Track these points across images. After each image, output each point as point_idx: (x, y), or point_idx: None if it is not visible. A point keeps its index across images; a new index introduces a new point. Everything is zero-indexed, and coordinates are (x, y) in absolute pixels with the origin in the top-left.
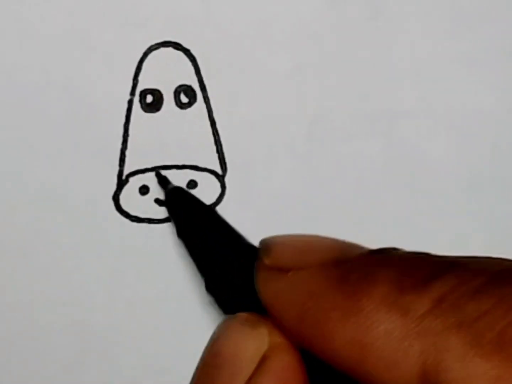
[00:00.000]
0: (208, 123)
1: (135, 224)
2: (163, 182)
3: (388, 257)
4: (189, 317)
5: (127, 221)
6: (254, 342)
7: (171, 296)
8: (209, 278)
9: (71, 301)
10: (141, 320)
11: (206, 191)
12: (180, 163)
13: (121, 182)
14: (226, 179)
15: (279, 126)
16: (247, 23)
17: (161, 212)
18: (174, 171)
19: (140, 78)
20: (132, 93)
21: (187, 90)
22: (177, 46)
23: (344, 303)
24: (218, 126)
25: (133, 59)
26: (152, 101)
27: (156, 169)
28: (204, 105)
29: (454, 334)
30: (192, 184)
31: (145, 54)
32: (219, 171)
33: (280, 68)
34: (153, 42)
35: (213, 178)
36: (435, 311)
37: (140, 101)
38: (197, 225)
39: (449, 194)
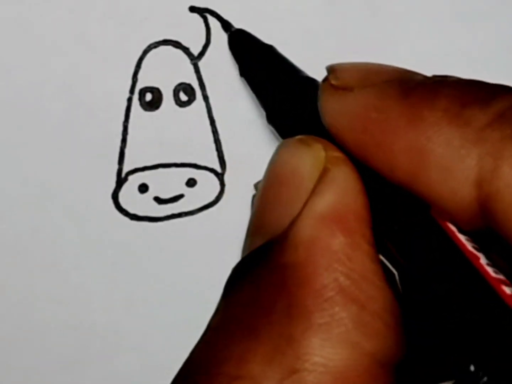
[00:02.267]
0: (207, 121)
1: (134, 222)
2: (226, 25)
3: (450, 79)
4: (188, 316)
5: (126, 219)
6: (312, 156)
7: (171, 294)
8: (270, 110)
9: (70, 299)
10: (140, 318)
11: (205, 189)
12: (179, 161)
13: (120, 180)
14: (225, 177)
15: None
16: (247, 22)
17: (161, 210)
18: (173, 169)
19: (139, 76)
20: (132, 91)
21: (186, 88)
22: (176, 44)
23: (408, 113)
24: (217, 124)
25: (133, 58)
26: (152, 99)
27: (156, 167)
28: (203, 104)
29: (511, 143)
30: (191, 182)
31: (145, 52)
32: (218, 169)
33: None
34: (152, 41)
35: (212, 176)
36: (495, 124)
37: (140, 99)
38: (259, 62)
39: None
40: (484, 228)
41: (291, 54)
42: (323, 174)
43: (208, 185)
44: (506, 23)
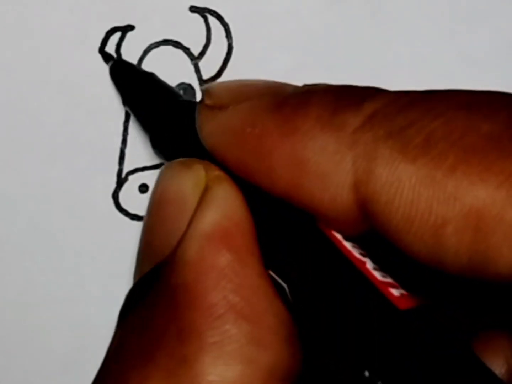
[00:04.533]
0: None
1: (134, 222)
2: (106, 57)
3: (322, 87)
4: None
5: (126, 219)
6: (193, 177)
7: None
8: (153, 136)
9: (70, 299)
10: None
11: None
12: None
13: (121, 180)
14: None
15: None
16: (247, 22)
17: None
18: None
19: None
20: None
21: (186, 88)
22: (176, 44)
23: (281, 124)
24: None
25: (133, 58)
26: None
27: (156, 167)
28: None
29: (383, 143)
30: None
31: (145, 53)
32: None
33: (279, 67)
34: (152, 41)
35: None
36: (366, 125)
37: None
38: (139, 91)
39: None
40: (369, 231)
41: (291, 54)
42: (205, 193)
43: None
44: (506, 23)
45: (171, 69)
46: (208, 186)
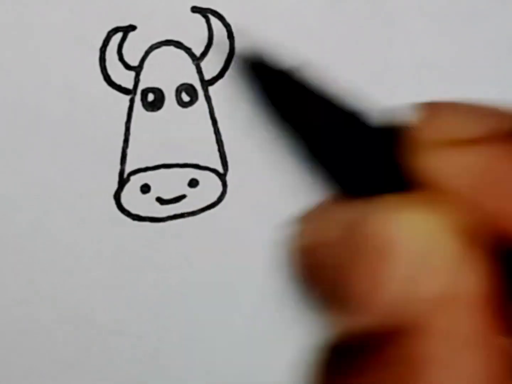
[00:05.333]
0: (209, 121)
1: (136, 222)
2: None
3: None
4: (189, 316)
5: (128, 219)
6: (426, 223)
7: (172, 294)
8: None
9: (72, 299)
10: (141, 318)
11: (207, 190)
12: (181, 161)
13: (123, 181)
14: (227, 178)
15: None
16: (247, 22)
17: (163, 210)
18: (175, 169)
19: (141, 77)
20: (134, 91)
21: (188, 88)
22: (178, 44)
23: None
24: (219, 124)
25: (135, 58)
26: (154, 100)
27: (158, 167)
28: (205, 104)
29: None
30: (194, 182)
31: (147, 53)
32: (221, 170)
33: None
34: (154, 41)
35: (214, 176)
36: None
37: (142, 99)
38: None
39: None
40: None
41: (291, 53)
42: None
43: (210, 185)
44: (506, 22)
45: (172, 70)
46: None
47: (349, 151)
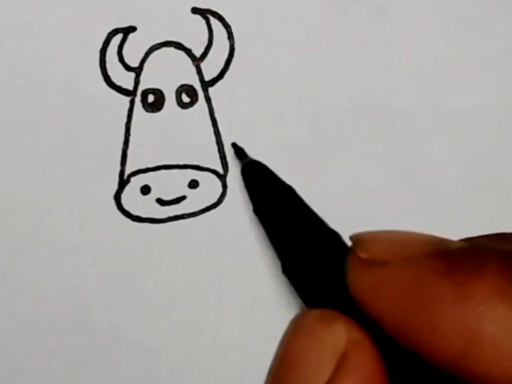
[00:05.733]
0: (209, 122)
1: (136, 223)
2: (240, 154)
3: (491, 250)
4: (189, 317)
5: (128, 220)
6: (331, 338)
7: (172, 296)
8: (287, 261)
9: (72, 300)
10: (141, 319)
11: (208, 191)
12: (181, 162)
13: (123, 182)
14: (228, 179)
15: (279, 125)
16: (248, 23)
17: (163, 212)
18: (175, 170)
19: (141, 78)
20: (134, 93)
21: (188, 89)
22: (178, 45)
23: (454, 290)
24: (219, 125)
25: (135, 59)
26: (154, 101)
27: (158, 168)
28: (205, 105)
29: None
30: (194, 183)
31: (147, 54)
32: (221, 171)
33: (281, 68)
34: (154, 42)
35: (214, 177)
36: None
37: (142, 100)
38: (276, 204)
39: (450, 193)
40: None
41: (292, 54)
42: (343, 359)
43: (210, 186)
44: (506, 23)
45: (172, 71)
46: (347, 352)
47: (305, 251)
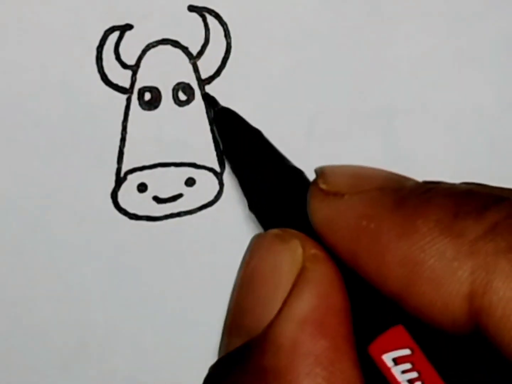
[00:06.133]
0: (206, 120)
1: (133, 221)
2: (212, 102)
3: (443, 186)
4: (187, 315)
5: (125, 218)
6: (289, 254)
7: (169, 294)
8: (252, 198)
9: (70, 298)
10: (139, 317)
11: (204, 189)
12: (178, 160)
13: (119, 180)
14: (224, 177)
15: (277, 124)
16: (244, 21)
17: (160, 209)
18: (172, 168)
19: (138, 75)
20: (131, 90)
21: (185, 87)
22: (175, 43)
23: (400, 223)
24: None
25: (132, 57)
26: (150, 99)
27: (155, 166)
28: (202, 103)
29: (504, 256)
30: (190, 181)
31: (143, 52)
32: (217, 169)
33: (277, 66)
34: (151, 40)
35: (211, 175)
36: (488, 235)
37: (139, 98)
38: (243, 145)
39: None
40: (469, 333)
41: (289, 53)
42: (301, 273)
43: (207, 184)
44: (504, 22)
45: (169, 68)
46: (305, 266)
47: (270, 187)
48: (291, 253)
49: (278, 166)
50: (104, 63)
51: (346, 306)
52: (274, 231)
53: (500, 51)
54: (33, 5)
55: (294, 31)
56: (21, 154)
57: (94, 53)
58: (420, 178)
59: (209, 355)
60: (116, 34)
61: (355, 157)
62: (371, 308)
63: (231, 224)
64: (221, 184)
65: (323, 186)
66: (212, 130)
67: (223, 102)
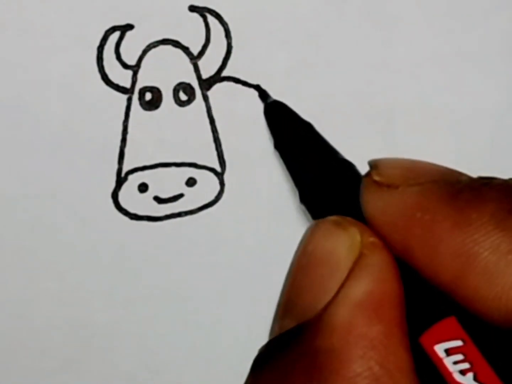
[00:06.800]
0: (207, 120)
1: (134, 221)
2: (263, 95)
3: (497, 181)
4: (188, 315)
5: (126, 218)
6: (347, 240)
7: (170, 294)
8: (304, 190)
9: (70, 298)
10: (139, 317)
11: (205, 189)
12: (179, 160)
13: (120, 180)
14: (225, 177)
15: None
16: (245, 21)
17: (160, 209)
18: (173, 168)
19: (139, 76)
20: (131, 91)
21: (186, 87)
22: (176, 43)
23: (454, 215)
24: (217, 123)
25: (132, 57)
26: (151, 99)
27: (155, 166)
28: (203, 103)
29: None
30: (191, 181)
31: (144, 52)
32: (218, 169)
33: (278, 66)
34: (152, 40)
35: (212, 175)
36: None
37: (139, 98)
38: (295, 138)
39: None
40: None
41: (289, 53)
42: (359, 259)
43: (208, 184)
44: (505, 22)
45: (170, 69)
46: (362, 253)
47: (322, 179)
48: (350, 239)
49: (329, 159)
50: (105, 63)
51: (401, 294)
52: (333, 218)
53: (501, 51)
54: (33, 5)
55: (294, 31)
56: (21, 154)
57: (95, 53)
58: None
59: (210, 355)
60: (117, 34)
61: (355, 157)
62: (423, 299)
63: (232, 224)
64: (222, 184)
65: (377, 178)
66: (212, 130)
67: (224, 102)
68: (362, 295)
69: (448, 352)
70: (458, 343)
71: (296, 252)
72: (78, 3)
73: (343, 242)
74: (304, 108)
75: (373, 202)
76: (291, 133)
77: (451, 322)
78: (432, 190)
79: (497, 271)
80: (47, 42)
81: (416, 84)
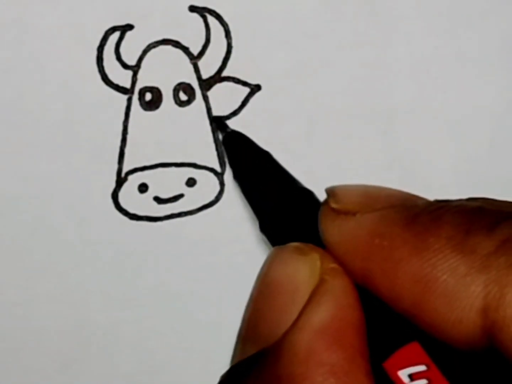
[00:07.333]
0: (207, 121)
1: (134, 221)
2: (221, 126)
3: (454, 204)
4: (187, 315)
5: (126, 218)
6: (308, 266)
7: (170, 294)
8: (264, 219)
9: (70, 298)
10: (139, 317)
11: (205, 189)
12: (179, 160)
13: (120, 180)
14: (225, 177)
15: (277, 124)
16: (245, 21)
17: (160, 210)
18: (173, 168)
19: (139, 76)
20: (131, 91)
21: (186, 88)
22: (176, 44)
23: (412, 241)
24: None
25: (132, 57)
26: (151, 99)
27: (155, 167)
28: (203, 103)
29: None
30: (191, 181)
31: (144, 52)
32: (218, 169)
33: (278, 66)
34: (152, 40)
35: (212, 175)
36: (500, 250)
37: (139, 99)
38: (253, 168)
39: (448, 191)
40: (484, 349)
41: (289, 54)
42: (320, 284)
43: (207, 184)
44: (504, 22)
45: (170, 69)
46: (323, 278)
47: (281, 208)
48: (310, 265)
49: (288, 188)
50: (105, 63)
51: (362, 320)
52: (294, 244)
53: (501, 51)
54: (33, 5)
55: (294, 31)
56: (21, 154)
57: (95, 53)
58: (419, 178)
59: (209, 355)
60: (117, 34)
61: (355, 157)
62: (386, 324)
63: (231, 224)
64: (222, 184)
65: (334, 205)
66: (212, 131)
67: (223, 102)
68: (322, 321)
69: (412, 377)
70: (422, 367)
71: (257, 278)
72: (78, 3)
73: (304, 267)
74: (304, 108)
75: (332, 230)
76: (249, 163)
77: (414, 347)
78: (389, 216)
79: (457, 293)
80: (47, 42)
81: (416, 84)
